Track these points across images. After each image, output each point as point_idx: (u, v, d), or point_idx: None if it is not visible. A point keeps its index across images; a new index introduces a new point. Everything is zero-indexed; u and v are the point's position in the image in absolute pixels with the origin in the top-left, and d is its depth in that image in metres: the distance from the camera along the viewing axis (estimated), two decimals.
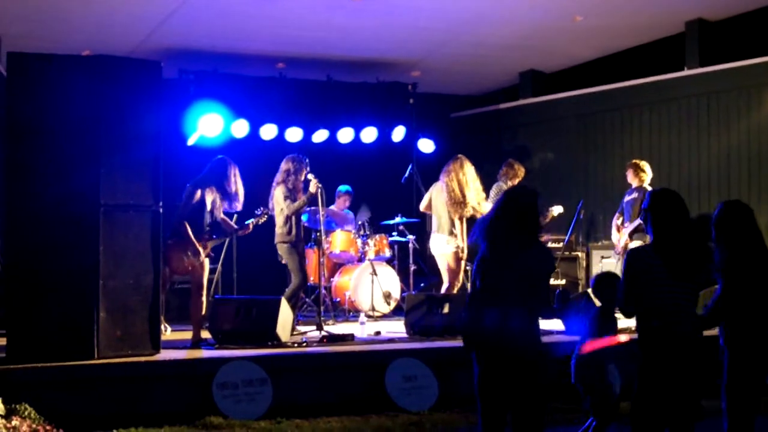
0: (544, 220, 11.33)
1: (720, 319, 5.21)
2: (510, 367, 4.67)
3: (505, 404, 4.75)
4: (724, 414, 5.22)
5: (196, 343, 8.28)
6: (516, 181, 11.09)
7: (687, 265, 4.75)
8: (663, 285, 4.73)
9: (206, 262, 8.49)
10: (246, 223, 9.14)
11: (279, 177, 9.60)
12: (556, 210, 11.22)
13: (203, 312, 8.45)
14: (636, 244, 10.41)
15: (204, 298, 8.47)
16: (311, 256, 10.90)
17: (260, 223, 9.29)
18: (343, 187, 11.94)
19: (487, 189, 10.45)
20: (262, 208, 9.35)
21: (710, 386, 5.34)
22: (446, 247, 9.55)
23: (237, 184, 8.76)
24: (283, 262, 9.67)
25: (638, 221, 10.30)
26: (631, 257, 4.88)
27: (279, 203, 9.49)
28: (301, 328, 9.35)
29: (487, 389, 4.73)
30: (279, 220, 9.49)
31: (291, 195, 9.47)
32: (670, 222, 4.81)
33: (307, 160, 9.69)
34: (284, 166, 9.63)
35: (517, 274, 4.67)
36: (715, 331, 5.42)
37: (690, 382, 4.72)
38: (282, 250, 9.51)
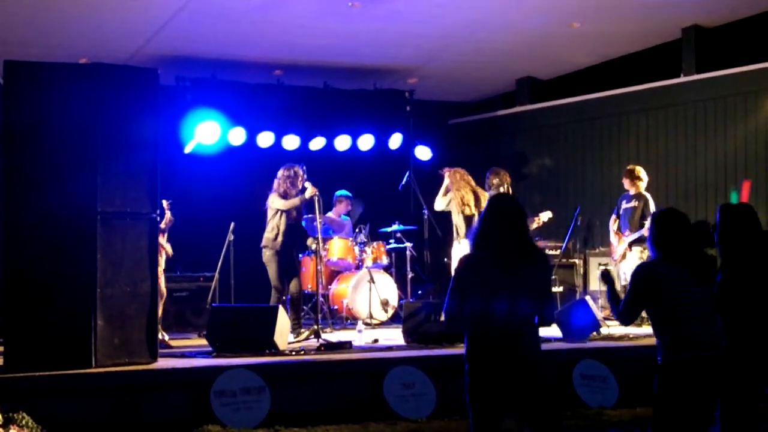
0: (531, 223, 11.32)
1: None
2: (513, 369, 4.60)
3: (501, 411, 4.66)
4: (717, 421, 5.17)
5: None
6: (506, 187, 11.06)
7: (704, 269, 4.77)
8: (684, 291, 4.69)
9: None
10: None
11: (274, 184, 9.65)
12: (545, 215, 11.20)
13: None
14: (635, 253, 10.40)
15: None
16: (309, 263, 10.90)
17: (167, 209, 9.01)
18: (342, 192, 11.89)
19: None
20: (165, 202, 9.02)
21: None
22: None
23: None
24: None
25: (640, 232, 10.29)
26: (648, 267, 4.84)
27: (271, 208, 9.52)
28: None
29: (484, 395, 4.61)
30: (268, 225, 9.53)
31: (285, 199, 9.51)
32: (678, 235, 4.81)
33: (305, 167, 9.70)
34: (279, 173, 9.65)
35: (520, 279, 4.63)
36: None
37: (714, 391, 4.71)
38: (264, 255, 9.51)
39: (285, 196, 9.52)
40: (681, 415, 4.68)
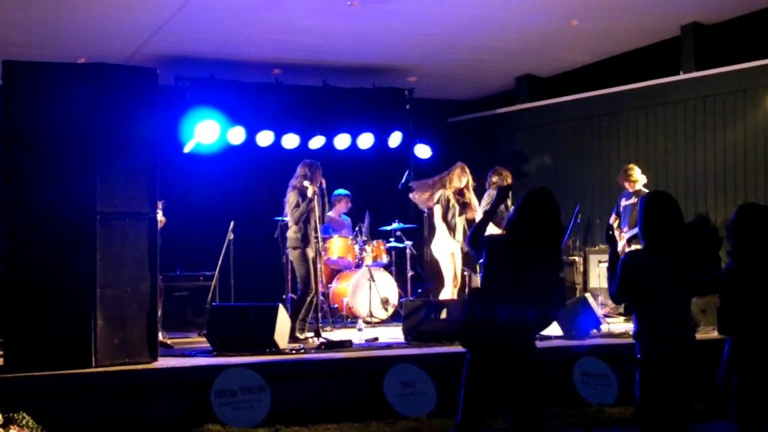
0: None
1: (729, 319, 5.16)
2: (509, 363, 4.68)
3: (490, 398, 4.79)
4: (735, 397, 5.17)
5: None
6: None
7: (686, 264, 4.80)
8: (666, 285, 4.76)
9: None
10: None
11: (295, 182, 9.53)
12: None
13: None
14: (634, 249, 10.42)
15: None
16: None
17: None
18: (341, 191, 11.87)
19: (479, 194, 10.48)
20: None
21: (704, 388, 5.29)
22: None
23: None
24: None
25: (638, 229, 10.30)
26: (630, 257, 4.92)
27: (289, 208, 9.45)
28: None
29: (477, 380, 4.77)
30: (292, 226, 9.48)
31: (302, 200, 9.40)
32: (665, 222, 4.89)
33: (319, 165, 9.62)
34: (299, 171, 9.53)
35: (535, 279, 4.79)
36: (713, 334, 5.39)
37: (691, 383, 4.76)
38: (292, 255, 9.48)
39: (303, 196, 9.39)
40: (661, 406, 4.73)
